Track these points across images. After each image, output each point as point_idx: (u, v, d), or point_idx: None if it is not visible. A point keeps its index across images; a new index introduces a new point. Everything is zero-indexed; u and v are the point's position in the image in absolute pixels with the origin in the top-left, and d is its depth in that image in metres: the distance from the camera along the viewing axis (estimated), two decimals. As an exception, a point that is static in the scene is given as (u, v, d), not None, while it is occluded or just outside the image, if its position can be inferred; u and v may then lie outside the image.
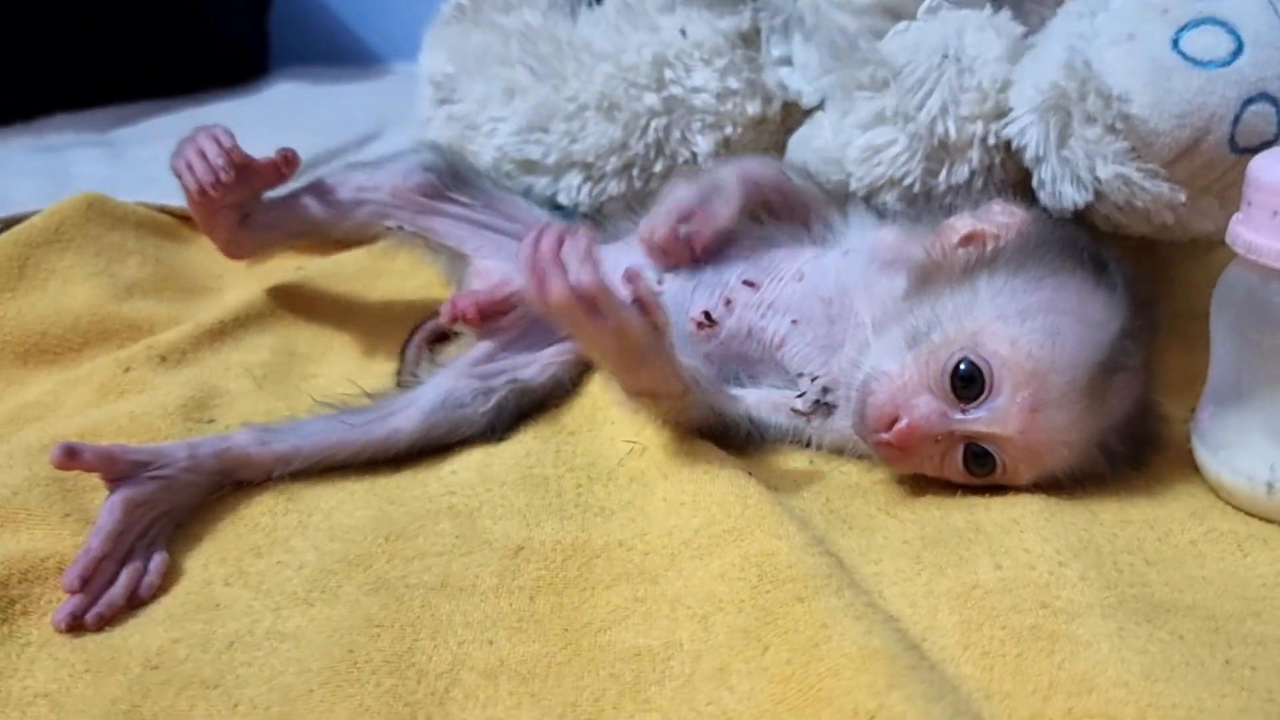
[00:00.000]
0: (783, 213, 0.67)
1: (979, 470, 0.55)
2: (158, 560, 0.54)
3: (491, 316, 0.67)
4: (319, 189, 0.74)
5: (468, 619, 0.50)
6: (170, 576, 0.55)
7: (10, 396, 0.71)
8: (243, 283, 0.84)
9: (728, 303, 0.60)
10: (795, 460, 0.62)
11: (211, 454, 0.59)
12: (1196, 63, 0.55)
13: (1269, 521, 0.54)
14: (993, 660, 0.46)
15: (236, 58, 1.63)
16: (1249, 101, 0.55)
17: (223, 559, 0.56)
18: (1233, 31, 0.56)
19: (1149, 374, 0.57)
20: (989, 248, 0.57)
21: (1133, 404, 0.55)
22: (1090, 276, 0.55)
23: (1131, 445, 0.55)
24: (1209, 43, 0.56)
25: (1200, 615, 0.47)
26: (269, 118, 1.40)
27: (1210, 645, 0.45)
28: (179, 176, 0.71)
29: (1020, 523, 0.53)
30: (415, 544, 0.56)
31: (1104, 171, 0.58)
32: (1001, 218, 0.59)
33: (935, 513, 0.56)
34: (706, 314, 0.61)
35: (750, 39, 0.76)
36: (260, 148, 1.25)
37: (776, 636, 0.46)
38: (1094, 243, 0.58)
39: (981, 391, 0.53)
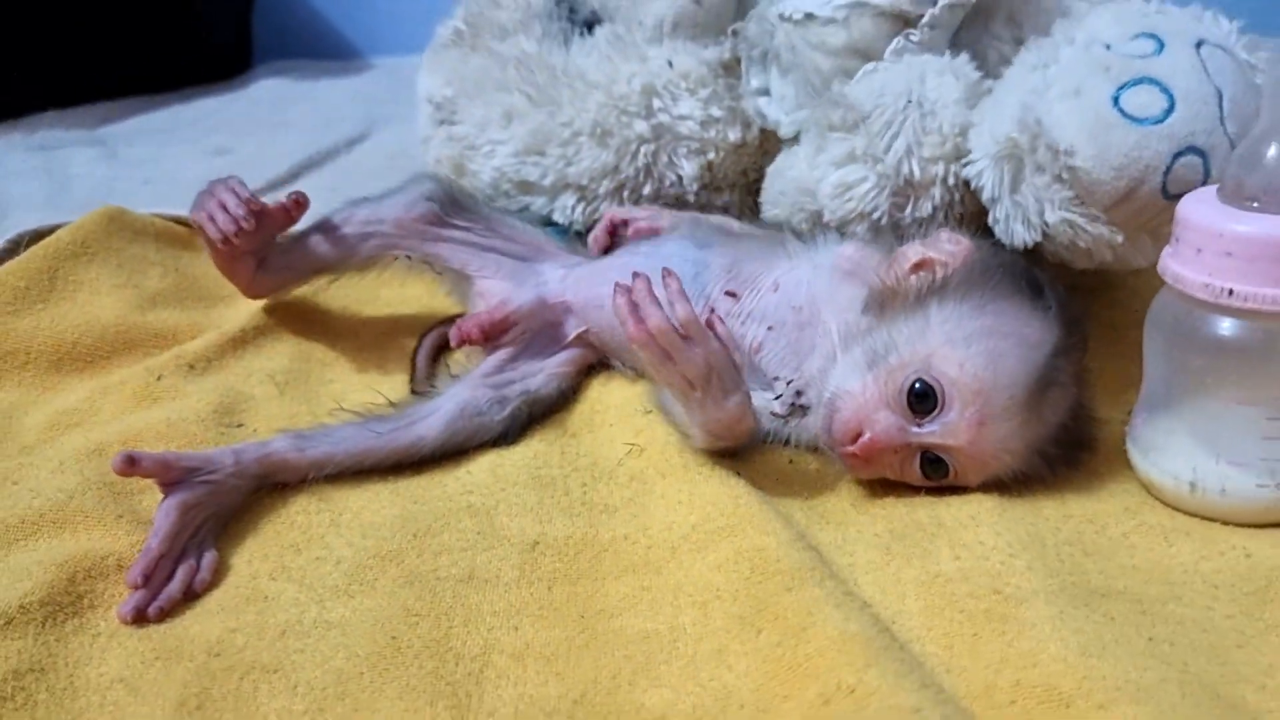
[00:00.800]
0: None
1: (934, 475, 0.62)
2: (209, 558, 0.60)
3: (495, 335, 0.73)
4: (326, 227, 0.79)
5: (494, 608, 0.57)
6: (220, 572, 0.60)
7: (47, 403, 0.76)
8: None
9: (711, 312, 0.65)
10: (777, 459, 0.68)
11: (254, 459, 0.64)
12: (1134, 120, 0.62)
13: (1192, 516, 0.61)
14: (952, 640, 0.52)
15: (221, 53, 1.65)
16: (1179, 154, 0.62)
17: (265, 555, 0.61)
18: (1166, 91, 0.63)
19: (1082, 384, 0.64)
20: (938, 275, 0.64)
21: (1066, 413, 0.62)
22: (1027, 301, 0.62)
23: (1066, 449, 0.63)
24: (1145, 101, 0.63)
25: (1129, 599, 0.54)
26: (256, 117, 1.44)
27: (1137, 625, 0.52)
28: (202, 227, 0.76)
29: (976, 518, 0.60)
30: (441, 540, 0.62)
31: (1051, 216, 0.66)
32: (948, 246, 0.66)
33: (902, 509, 0.62)
34: None
35: (732, 68, 0.82)
36: (250, 147, 1.30)
37: (768, 622, 0.53)
38: (1031, 268, 0.65)
39: (934, 408, 0.60)
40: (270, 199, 0.79)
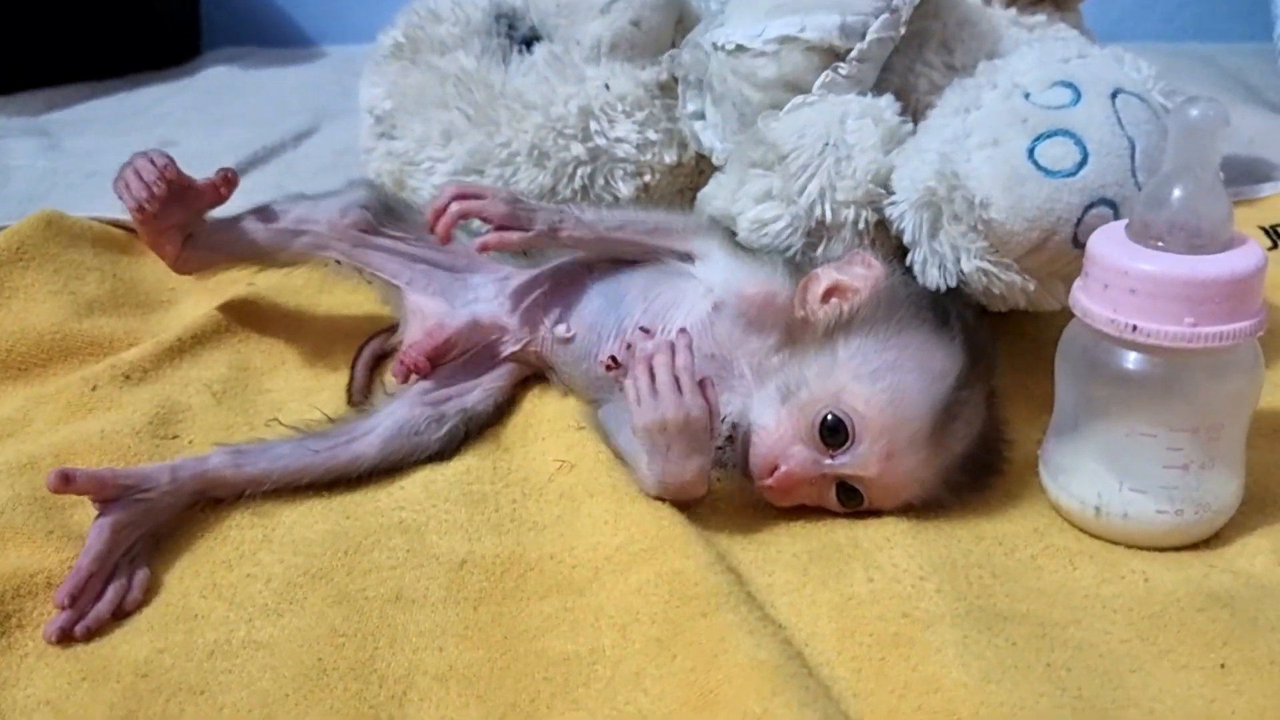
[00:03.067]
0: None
1: (849, 502, 0.64)
2: (140, 576, 0.61)
3: (440, 361, 0.74)
4: (263, 214, 0.80)
5: (420, 628, 0.58)
6: (151, 589, 0.61)
7: (-20, 412, 0.76)
8: (195, 296, 0.89)
9: (628, 347, 0.66)
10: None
11: (191, 476, 0.65)
12: (1048, 172, 0.64)
13: (1097, 539, 0.63)
14: (861, 663, 0.54)
15: (169, 38, 1.63)
16: (1090, 206, 0.64)
17: (196, 572, 0.62)
18: (1080, 143, 0.64)
19: (990, 409, 0.66)
20: (846, 308, 0.65)
21: (973, 440, 0.64)
22: (932, 332, 0.64)
23: (974, 475, 0.65)
24: (1059, 154, 0.65)
25: (1032, 623, 0.56)
26: (202, 107, 1.43)
27: (1036, 650, 0.54)
28: (121, 199, 0.76)
29: (891, 540, 0.62)
30: (371, 558, 0.63)
31: (967, 265, 0.67)
32: (861, 270, 0.67)
33: (821, 530, 0.64)
34: (613, 358, 0.68)
35: (669, 88, 0.83)
36: (196, 140, 1.29)
37: (683, 647, 0.54)
38: (939, 295, 0.67)
39: (846, 440, 0.62)
40: (224, 216, 0.79)
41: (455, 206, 0.72)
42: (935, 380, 0.62)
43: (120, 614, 0.59)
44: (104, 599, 0.59)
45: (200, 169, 0.79)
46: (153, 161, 0.75)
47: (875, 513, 0.65)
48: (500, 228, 0.72)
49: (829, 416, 0.62)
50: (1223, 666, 0.53)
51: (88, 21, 1.50)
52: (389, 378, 0.79)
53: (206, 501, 0.67)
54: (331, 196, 0.80)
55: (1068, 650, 0.55)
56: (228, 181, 0.78)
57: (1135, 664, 0.54)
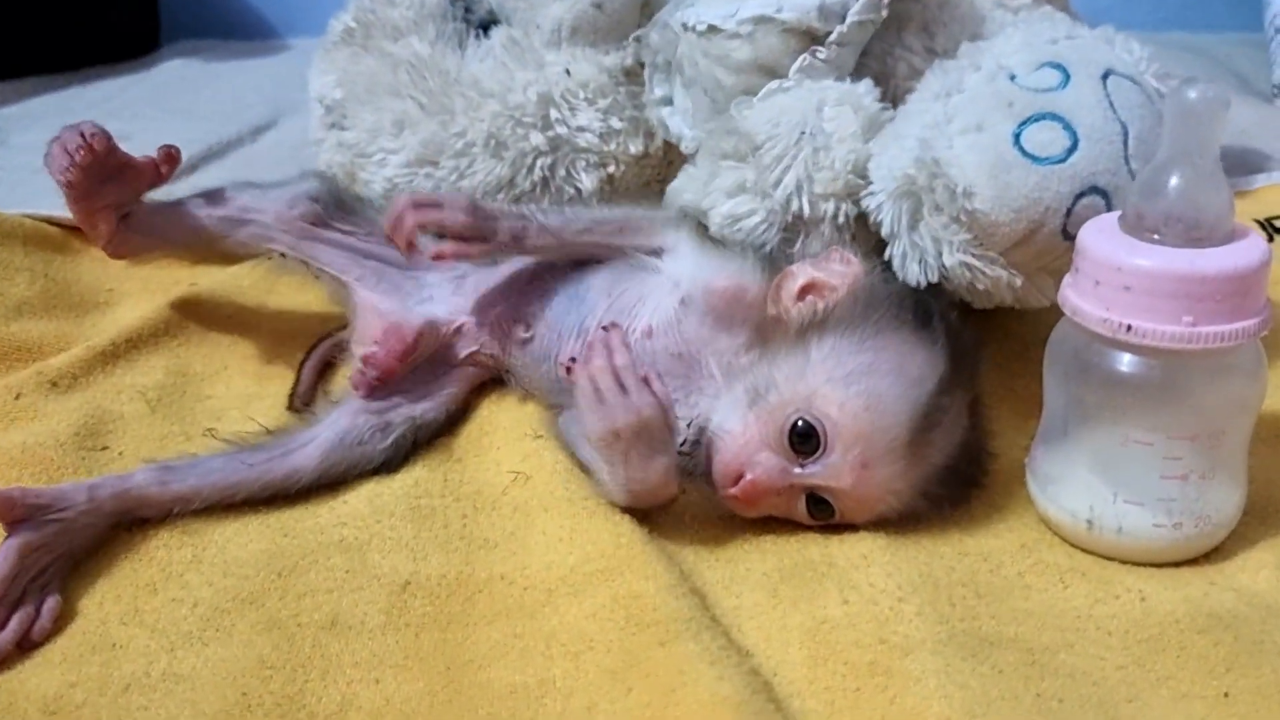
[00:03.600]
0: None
1: (819, 514, 0.60)
2: (50, 603, 0.56)
3: (409, 361, 0.69)
4: (207, 199, 0.75)
5: (356, 658, 0.53)
6: (66, 616, 0.56)
7: (-103, 423, 0.71)
8: (134, 298, 0.85)
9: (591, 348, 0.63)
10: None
11: (110, 496, 0.60)
12: (1035, 159, 0.60)
13: (1089, 554, 0.59)
14: (834, 695, 0.50)
15: (126, 31, 1.59)
16: (1081, 195, 0.60)
17: (118, 596, 0.58)
18: (1069, 128, 0.60)
19: (973, 417, 0.62)
20: (822, 306, 0.61)
21: (954, 450, 0.60)
22: (912, 333, 0.60)
23: (953, 488, 0.61)
24: (1047, 139, 0.60)
25: (1020, 648, 0.52)
26: (159, 101, 1.39)
27: (1025, 678, 0.50)
28: (52, 176, 0.72)
29: (869, 557, 0.58)
30: (306, 580, 0.58)
31: (949, 259, 0.63)
32: (838, 267, 0.63)
33: (794, 545, 0.60)
34: (574, 359, 0.63)
35: (634, 74, 0.79)
36: (150, 134, 1.24)
37: (639, 679, 0.50)
38: (921, 294, 0.63)
39: (817, 448, 0.58)
40: (167, 191, 0.75)
41: (411, 218, 0.67)
42: (914, 385, 0.58)
43: (27, 645, 0.54)
44: (7, 629, 0.54)
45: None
46: (82, 133, 0.71)
47: (851, 527, 0.60)
48: (460, 238, 0.67)
49: (799, 422, 0.58)
50: (1226, 695, 0.50)
51: (41, 14, 1.45)
52: (337, 383, 0.74)
53: (133, 520, 0.62)
54: (280, 187, 0.76)
55: (1058, 679, 0.51)
56: (169, 159, 0.73)
57: (1132, 692, 0.50)
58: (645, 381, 0.58)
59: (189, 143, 1.18)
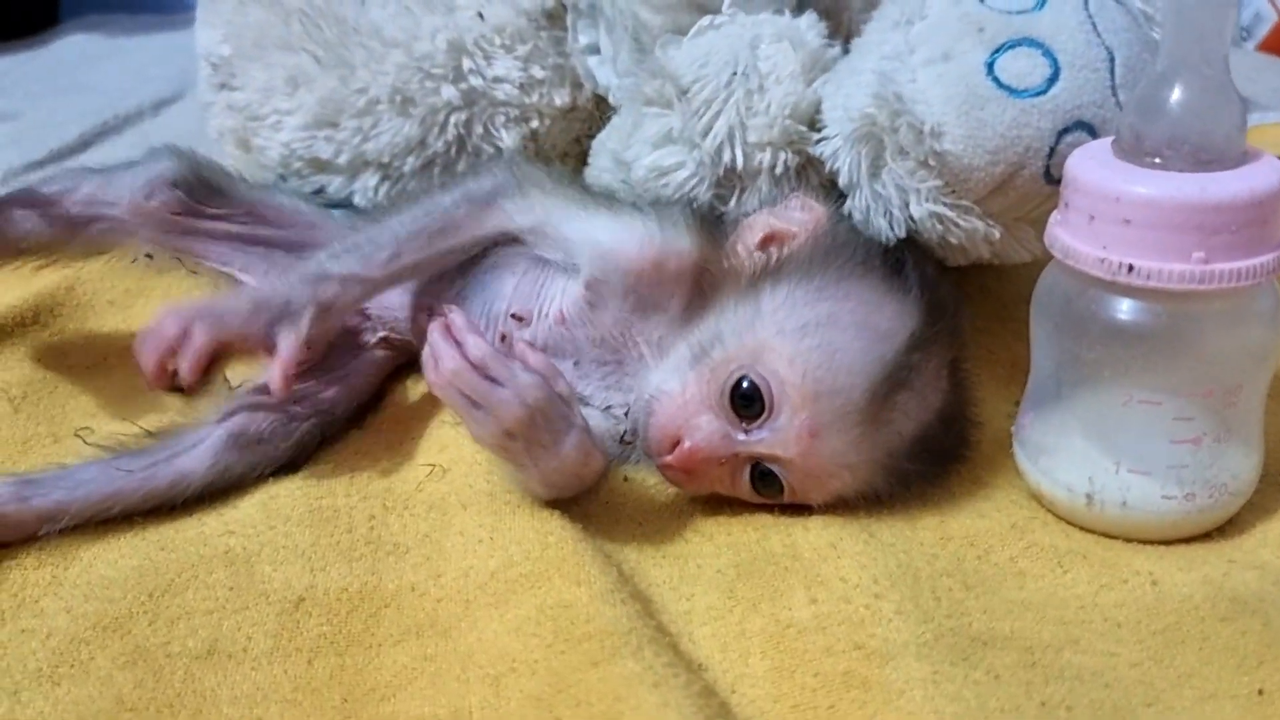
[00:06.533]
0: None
1: (766, 491, 0.53)
2: (-126, 642, 0.47)
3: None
4: (37, 201, 0.64)
5: (235, 692, 0.46)
6: (-106, 655, 0.48)
7: None
8: (2, 287, 0.76)
9: (503, 338, 0.56)
10: (610, 476, 0.58)
11: None
12: (1011, 91, 0.53)
13: (1089, 533, 0.53)
14: (804, 713, 0.43)
15: (21, 6, 1.50)
16: (1064, 131, 0.53)
17: (-41, 628, 0.49)
18: (1049, 54, 0.53)
19: (953, 380, 0.55)
20: (779, 254, 0.54)
21: (929, 418, 0.53)
22: (881, 282, 0.53)
23: (930, 463, 0.54)
24: (1024, 68, 0.53)
25: (1018, 647, 0.46)
26: (53, 77, 1.32)
27: (1026, 684, 0.44)
28: None
29: (838, 547, 0.51)
30: (183, 600, 0.50)
31: (917, 210, 0.56)
32: (799, 214, 0.56)
33: (752, 535, 0.53)
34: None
35: (557, 17, 0.71)
36: (42, 112, 1.16)
37: (569, 707, 0.42)
38: (896, 244, 0.56)
39: (763, 411, 0.51)
40: (55, 169, 0.68)
41: (194, 344, 0.55)
42: (880, 340, 0.51)
43: None
44: None
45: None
46: None
47: (815, 511, 0.53)
48: (261, 349, 0.56)
49: (743, 381, 0.51)
50: (1261, 693, 0.44)
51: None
52: (231, 371, 0.65)
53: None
54: (128, 170, 0.66)
55: (1064, 682, 0.44)
56: None
57: (1150, 695, 0.44)
58: (521, 356, 0.50)
59: (82, 117, 1.13)
